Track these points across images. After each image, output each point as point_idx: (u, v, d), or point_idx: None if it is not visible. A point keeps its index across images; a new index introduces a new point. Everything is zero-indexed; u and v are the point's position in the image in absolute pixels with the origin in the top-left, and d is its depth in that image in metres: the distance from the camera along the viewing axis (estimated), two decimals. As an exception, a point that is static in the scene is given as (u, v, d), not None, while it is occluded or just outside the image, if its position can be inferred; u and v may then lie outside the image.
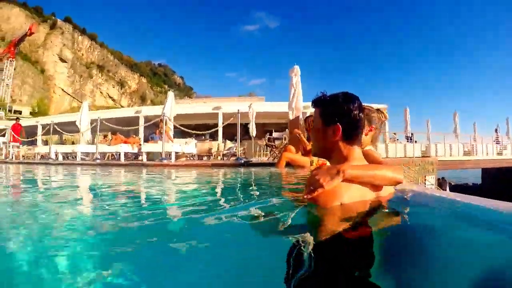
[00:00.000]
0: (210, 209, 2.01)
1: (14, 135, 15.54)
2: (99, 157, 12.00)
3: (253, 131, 16.13)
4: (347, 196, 1.40)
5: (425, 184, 15.22)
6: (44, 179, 5.52)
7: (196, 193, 3.25)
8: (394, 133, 22.52)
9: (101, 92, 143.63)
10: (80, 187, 4.18)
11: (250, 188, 3.61)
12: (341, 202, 1.38)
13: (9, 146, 17.30)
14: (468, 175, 28.82)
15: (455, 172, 27.45)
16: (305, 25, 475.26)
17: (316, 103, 1.57)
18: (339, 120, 1.48)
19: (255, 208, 1.72)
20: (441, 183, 18.04)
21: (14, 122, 18.10)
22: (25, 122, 31.45)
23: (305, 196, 1.40)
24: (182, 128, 12.15)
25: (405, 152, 17.78)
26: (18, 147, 17.02)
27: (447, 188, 18.87)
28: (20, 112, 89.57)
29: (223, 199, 2.54)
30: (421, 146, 19.28)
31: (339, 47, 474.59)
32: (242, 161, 8.59)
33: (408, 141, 21.16)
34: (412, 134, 22.82)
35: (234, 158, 11.87)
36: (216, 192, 3.27)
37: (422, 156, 17.86)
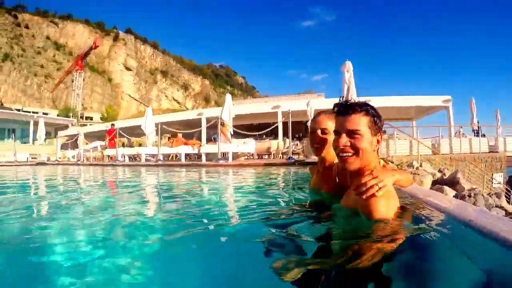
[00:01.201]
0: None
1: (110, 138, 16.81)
2: (161, 158, 12.81)
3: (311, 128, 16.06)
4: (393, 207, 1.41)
5: (492, 182, 14.24)
6: (117, 180, 6.19)
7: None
8: (460, 127, 21.12)
9: (166, 96, 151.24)
10: (137, 187, 4.68)
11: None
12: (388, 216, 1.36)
13: (80, 150, 18.95)
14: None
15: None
16: (362, 16, 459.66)
17: (360, 109, 1.54)
18: (380, 130, 1.56)
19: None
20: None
21: (84, 126, 19.70)
22: (95, 127, 34.10)
23: (358, 194, 1.39)
24: (236, 130, 12.61)
25: (471, 147, 16.66)
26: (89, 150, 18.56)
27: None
28: (91, 118, 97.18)
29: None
30: (488, 140, 17.81)
31: (396, 36, 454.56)
32: (293, 160, 8.78)
33: (474, 135, 19.77)
34: (479, 127, 21.30)
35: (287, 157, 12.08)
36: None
37: (489, 152, 16.67)
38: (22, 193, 4.32)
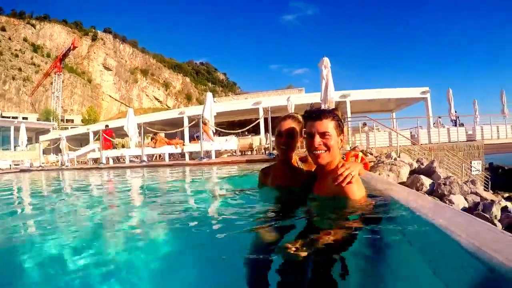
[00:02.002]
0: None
1: (110, 139, 16.63)
2: (145, 159, 12.83)
3: (292, 123, 16.27)
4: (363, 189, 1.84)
5: (471, 170, 14.72)
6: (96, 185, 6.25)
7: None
8: (439, 117, 21.64)
9: (147, 95, 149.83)
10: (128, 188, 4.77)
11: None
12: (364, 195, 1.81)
13: (64, 154, 18.67)
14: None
15: (507, 156, 25.70)
16: (342, 10, 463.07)
17: (328, 115, 1.90)
18: (343, 132, 1.95)
19: None
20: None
21: (64, 131, 19.43)
22: (77, 130, 33.67)
23: (339, 183, 1.73)
24: (218, 128, 12.75)
25: (449, 136, 17.17)
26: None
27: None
28: (72, 121, 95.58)
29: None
30: (466, 129, 18.33)
31: (374, 29, 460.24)
32: (274, 156, 8.93)
33: (453, 125, 20.30)
34: (457, 117, 21.91)
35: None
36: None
37: (467, 140, 17.18)
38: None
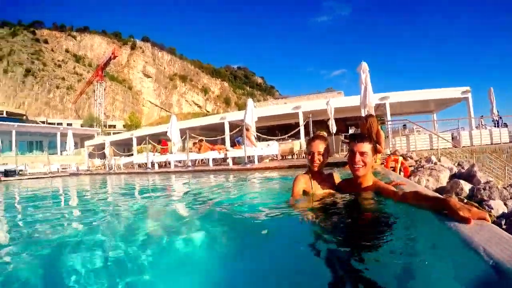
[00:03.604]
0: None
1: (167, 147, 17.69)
2: (190, 164, 13.44)
3: (332, 127, 16.52)
4: None
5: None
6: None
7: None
8: (481, 117, 20.89)
9: (186, 100, 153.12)
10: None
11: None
12: None
13: (111, 159, 19.59)
14: None
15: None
16: (376, 9, 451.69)
17: (367, 139, 2.54)
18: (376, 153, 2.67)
19: None
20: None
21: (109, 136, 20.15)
22: (121, 135, 35.05)
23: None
24: (259, 134, 13.15)
25: (492, 138, 16.59)
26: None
27: None
28: (114, 126, 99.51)
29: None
30: (508, 130, 17.47)
31: (411, 27, 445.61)
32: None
33: (495, 126, 19.55)
34: (500, 117, 21.09)
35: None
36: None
37: (511, 142, 16.57)
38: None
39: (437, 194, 2.00)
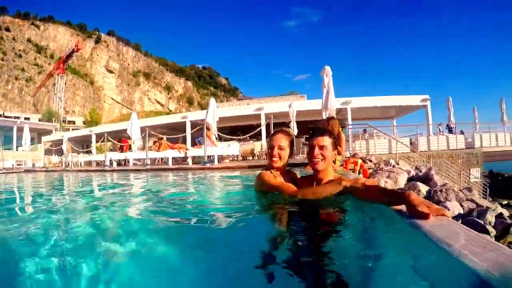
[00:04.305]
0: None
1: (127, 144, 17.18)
2: (149, 162, 13.01)
3: (294, 129, 16.46)
4: None
5: (469, 177, 14.86)
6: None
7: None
8: (439, 124, 21.82)
9: (149, 98, 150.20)
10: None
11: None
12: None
13: (68, 156, 18.75)
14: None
15: (506, 164, 25.60)
16: (345, 17, 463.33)
17: (327, 134, 2.43)
18: (336, 147, 2.49)
19: None
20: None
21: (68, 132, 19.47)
22: (80, 132, 33.80)
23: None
24: (220, 134, 12.96)
25: (448, 144, 17.30)
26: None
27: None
28: (73, 122, 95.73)
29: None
30: (465, 137, 18.42)
31: (374, 36, 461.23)
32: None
33: (452, 132, 20.39)
34: (455, 125, 22.08)
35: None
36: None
37: (466, 148, 17.30)
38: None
39: (396, 190, 1.97)
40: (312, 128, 2.58)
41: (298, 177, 2.73)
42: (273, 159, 2.53)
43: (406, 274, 1.26)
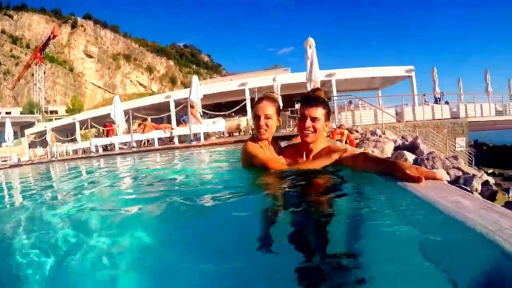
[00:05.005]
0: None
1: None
2: (135, 145, 12.82)
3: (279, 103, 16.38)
4: None
5: (455, 147, 15.06)
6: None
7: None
8: (424, 94, 21.93)
9: (130, 81, 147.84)
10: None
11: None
12: None
13: (52, 146, 18.39)
14: (505, 136, 25.88)
15: (490, 134, 26.15)
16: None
17: (321, 104, 2.25)
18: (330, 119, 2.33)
19: None
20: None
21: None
22: (63, 120, 33.11)
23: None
24: (205, 110, 12.80)
25: (433, 114, 17.41)
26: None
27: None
28: (56, 112, 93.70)
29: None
30: (450, 107, 18.55)
31: (360, 7, 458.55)
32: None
33: (437, 103, 20.58)
34: (442, 93, 22.26)
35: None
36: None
37: (452, 118, 17.47)
38: None
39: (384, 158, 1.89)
40: (305, 96, 2.38)
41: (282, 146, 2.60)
42: (261, 130, 2.36)
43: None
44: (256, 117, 2.38)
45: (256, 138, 2.42)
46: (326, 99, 2.41)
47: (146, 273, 1.27)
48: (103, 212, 2.11)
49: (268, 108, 2.38)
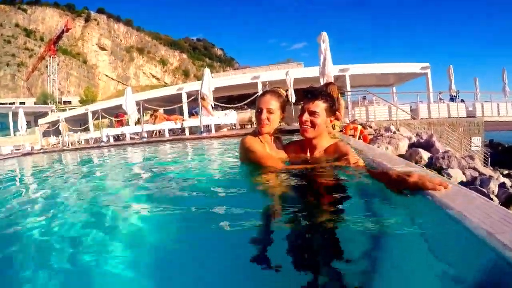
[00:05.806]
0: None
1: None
2: (145, 135, 12.85)
3: (291, 97, 16.30)
4: None
5: (470, 146, 14.74)
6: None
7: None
8: (440, 92, 21.53)
9: (144, 73, 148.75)
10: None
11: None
12: None
13: (64, 135, 18.66)
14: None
15: (505, 134, 25.57)
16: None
17: (321, 97, 2.14)
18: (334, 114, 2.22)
19: None
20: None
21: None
22: (76, 111, 33.47)
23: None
24: (216, 103, 12.72)
25: (449, 112, 17.09)
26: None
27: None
28: (69, 102, 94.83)
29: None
30: (466, 106, 18.23)
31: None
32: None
33: (453, 101, 20.19)
34: (458, 91, 21.81)
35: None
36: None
37: (468, 117, 17.12)
38: None
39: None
40: (306, 90, 2.23)
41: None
42: (262, 123, 2.25)
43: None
44: (259, 110, 2.28)
45: (257, 132, 2.32)
46: (331, 94, 2.27)
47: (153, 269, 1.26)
48: (95, 208, 2.13)
49: (271, 102, 2.26)
